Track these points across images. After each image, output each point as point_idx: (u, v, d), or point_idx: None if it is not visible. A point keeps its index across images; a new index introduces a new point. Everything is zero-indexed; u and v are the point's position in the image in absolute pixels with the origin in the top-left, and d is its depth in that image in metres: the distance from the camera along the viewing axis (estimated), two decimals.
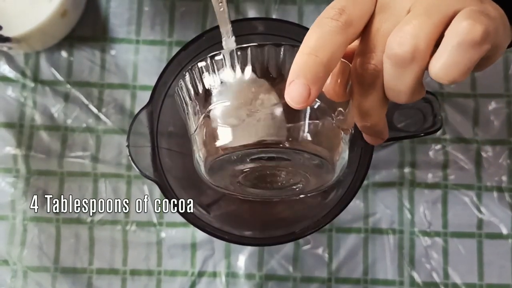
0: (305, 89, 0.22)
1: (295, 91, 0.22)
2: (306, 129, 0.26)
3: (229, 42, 0.30)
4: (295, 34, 0.35)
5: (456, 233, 0.44)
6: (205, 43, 0.35)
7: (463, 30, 0.21)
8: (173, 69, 0.34)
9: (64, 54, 0.46)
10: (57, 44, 0.45)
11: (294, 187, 0.30)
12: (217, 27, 0.30)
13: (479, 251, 0.43)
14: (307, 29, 0.36)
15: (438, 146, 0.45)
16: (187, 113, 0.29)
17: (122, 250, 0.44)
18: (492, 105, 0.45)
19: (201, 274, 0.43)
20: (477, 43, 0.21)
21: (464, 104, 0.45)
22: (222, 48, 0.29)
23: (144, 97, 0.45)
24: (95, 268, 0.44)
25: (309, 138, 0.26)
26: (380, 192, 0.44)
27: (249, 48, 0.26)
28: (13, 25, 0.40)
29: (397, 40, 0.22)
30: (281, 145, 0.25)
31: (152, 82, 0.34)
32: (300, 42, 0.24)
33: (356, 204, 0.44)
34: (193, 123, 0.28)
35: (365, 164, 0.33)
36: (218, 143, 0.27)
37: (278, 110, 0.25)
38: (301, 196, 0.31)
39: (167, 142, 0.37)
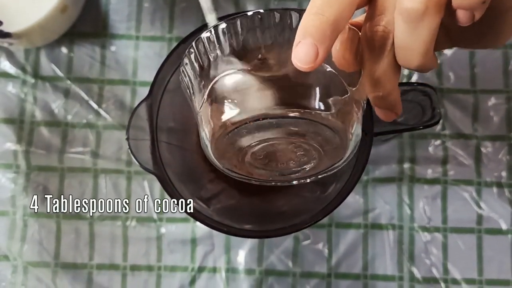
0: (313, 48, 0.22)
1: (302, 51, 0.22)
2: (318, 99, 0.24)
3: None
4: None
5: (456, 229, 0.44)
6: None
7: None
8: (173, 62, 0.34)
9: (64, 50, 0.46)
10: (57, 40, 0.45)
11: (306, 166, 0.29)
12: (218, 20, 0.30)
13: (478, 246, 0.43)
14: None
15: (438, 142, 0.45)
16: (193, 92, 0.27)
17: (122, 245, 0.44)
18: (492, 100, 0.45)
19: (201, 269, 0.44)
20: None
21: (464, 99, 0.45)
22: None
23: (144, 93, 0.45)
24: (95, 263, 0.44)
25: (322, 107, 0.24)
26: (380, 187, 0.44)
27: (253, 15, 0.24)
28: (14, 20, 0.40)
29: None
30: (291, 115, 0.24)
31: (152, 78, 0.34)
32: None
33: (356, 199, 0.44)
34: (198, 101, 0.26)
35: (363, 157, 0.33)
36: (224, 117, 0.25)
37: (287, 78, 0.24)
38: (311, 179, 0.29)
39: (166, 137, 0.37)
